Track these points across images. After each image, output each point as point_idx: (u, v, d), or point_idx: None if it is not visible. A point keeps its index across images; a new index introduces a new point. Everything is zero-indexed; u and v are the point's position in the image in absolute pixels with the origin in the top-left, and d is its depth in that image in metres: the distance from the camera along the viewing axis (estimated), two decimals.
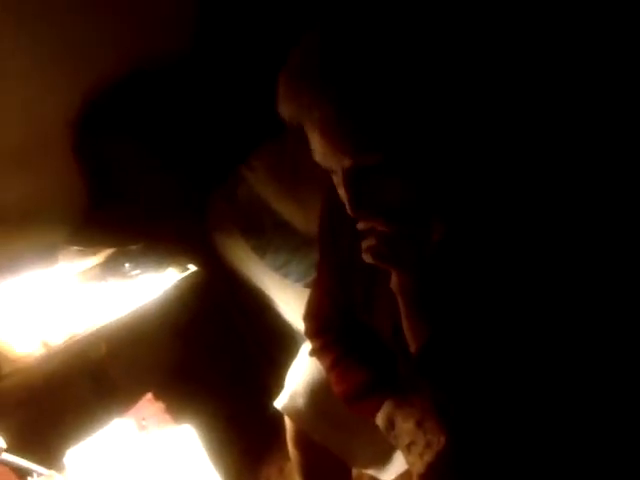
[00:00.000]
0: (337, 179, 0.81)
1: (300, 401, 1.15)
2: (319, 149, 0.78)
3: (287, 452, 1.22)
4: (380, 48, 0.73)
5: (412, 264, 0.87)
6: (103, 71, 1.66)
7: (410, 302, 0.90)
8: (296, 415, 1.15)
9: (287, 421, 1.20)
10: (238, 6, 1.81)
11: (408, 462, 0.95)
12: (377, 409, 0.99)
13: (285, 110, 0.79)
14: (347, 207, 0.80)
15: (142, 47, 1.71)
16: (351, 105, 0.73)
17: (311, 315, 1.19)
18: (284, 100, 0.78)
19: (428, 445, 0.91)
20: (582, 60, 1.12)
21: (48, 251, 1.64)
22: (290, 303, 1.65)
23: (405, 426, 0.95)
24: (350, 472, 1.27)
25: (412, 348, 0.92)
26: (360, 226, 0.85)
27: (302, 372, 1.19)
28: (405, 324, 0.92)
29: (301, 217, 1.72)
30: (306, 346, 1.23)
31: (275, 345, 1.72)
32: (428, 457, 0.90)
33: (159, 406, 1.39)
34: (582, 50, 1.13)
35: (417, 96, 0.75)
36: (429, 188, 0.82)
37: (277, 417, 1.20)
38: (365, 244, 0.87)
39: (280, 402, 1.17)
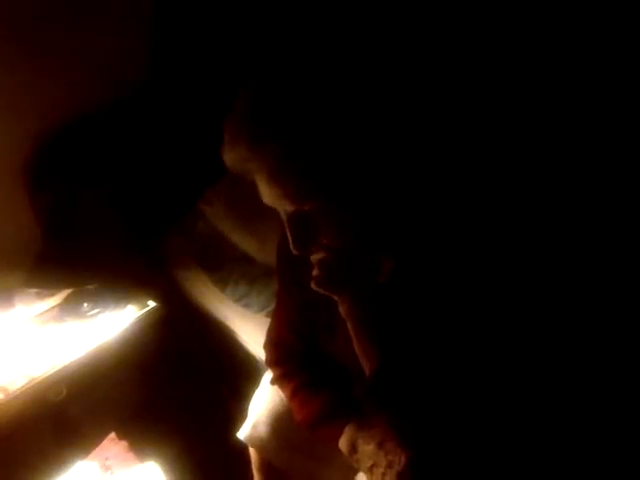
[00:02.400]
0: (283, 219, 0.86)
1: (263, 430, 1.15)
2: (265, 192, 0.83)
3: None
4: (312, 95, 0.77)
5: (355, 292, 0.91)
6: (54, 113, 1.66)
7: (357, 327, 0.93)
8: (260, 445, 1.16)
9: (251, 451, 1.19)
10: (193, 42, 1.84)
11: None
12: (339, 434, 1.00)
13: (227, 158, 0.83)
14: (290, 246, 0.84)
15: (94, 87, 1.72)
16: (288, 156, 0.77)
17: (271, 343, 1.20)
18: (226, 149, 0.82)
19: (390, 466, 0.91)
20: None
21: (4, 295, 1.62)
22: (252, 334, 1.66)
23: (367, 448, 0.95)
24: None
25: (366, 372, 0.94)
26: (312, 257, 0.89)
27: (264, 401, 1.20)
28: (357, 349, 0.94)
29: (259, 248, 1.74)
30: (268, 375, 1.24)
31: (238, 376, 1.72)
32: (390, 478, 0.91)
33: (122, 445, 1.38)
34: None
35: (352, 142, 0.77)
36: (369, 229, 0.85)
37: (243, 448, 1.20)
38: (313, 273, 0.90)
39: (243, 432, 1.17)
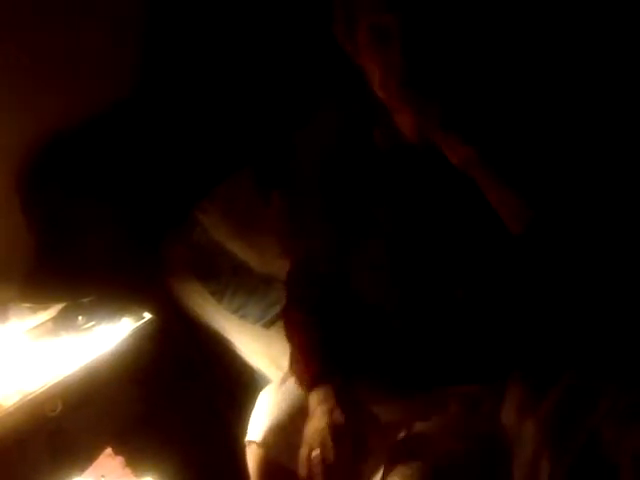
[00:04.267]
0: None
1: (271, 433, 1.09)
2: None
3: None
4: None
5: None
6: (48, 122, 1.65)
7: (488, 172, 0.92)
8: (267, 446, 1.08)
9: (257, 455, 1.11)
10: (182, 48, 1.82)
11: None
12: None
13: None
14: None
15: (87, 95, 1.70)
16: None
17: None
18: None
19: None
20: None
21: None
22: (249, 345, 1.63)
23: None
24: None
25: (512, 227, 0.93)
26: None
27: (270, 404, 1.16)
28: (493, 199, 0.92)
29: (256, 257, 1.73)
30: (271, 386, 1.21)
31: (235, 388, 1.70)
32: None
33: (119, 461, 1.36)
34: None
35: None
36: None
37: (242, 461, 1.15)
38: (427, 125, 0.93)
39: (251, 435, 1.12)
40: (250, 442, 1.10)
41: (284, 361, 1.32)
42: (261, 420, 1.12)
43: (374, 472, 1.05)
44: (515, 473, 0.97)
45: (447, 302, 1.05)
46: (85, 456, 1.42)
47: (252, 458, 1.11)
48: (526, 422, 0.98)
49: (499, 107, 0.97)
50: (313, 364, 1.10)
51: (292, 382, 1.14)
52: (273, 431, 1.08)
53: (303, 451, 0.99)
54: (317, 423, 1.01)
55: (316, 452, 0.97)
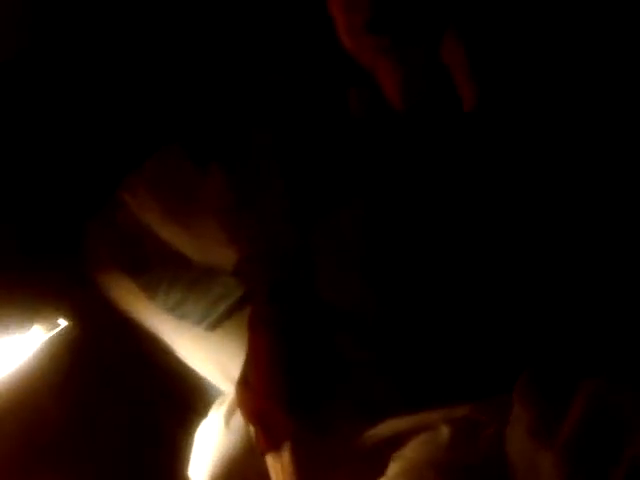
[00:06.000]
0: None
1: (216, 468, 0.98)
2: None
3: None
4: None
5: None
6: None
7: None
8: None
9: None
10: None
11: None
12: None
13: None
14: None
15: None
16: None
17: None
18: None
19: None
20: None
21: None
22: (192, 350, 1.41)
23: None
24: None
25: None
26: None
27: (214, 436, 1.03)
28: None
29: (194, 246, 1.48)
30: (216, 407, 1.08)
31: (180, 399, 1.47)
32: None
33: None
34: None
35: None
36: None
37: None
38: None
39: (194, 471, 1.02)
40: None
41: (234, 369, 1.15)
42: (205, 455, 1.01)
43: None
44: None
45: (436, 298, 0.89)
46: None
47: None
48: (541, 451, 0.80)
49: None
50: (269, 401, 0.94)
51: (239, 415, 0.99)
52: (221, 467, 0.97)
53: None
54: None
55: None
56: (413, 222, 0.88)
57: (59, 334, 1.35)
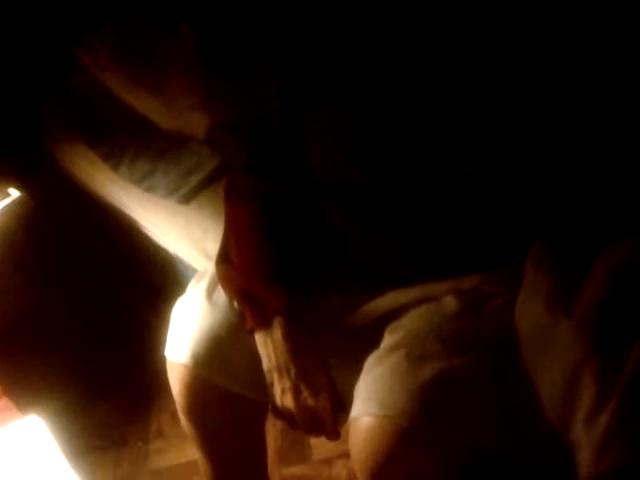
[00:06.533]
0: None
1: (199, 347, 0.89)
2: None
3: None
4: None
5: None
6: None
7: None
8: (196, 365, 0.88)
9: (183, 375, 0.91)
10: None
11: None
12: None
13: None
14: None
15: None
16: None
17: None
18: None
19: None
20: None
21: None
22: (161, 225, 1.29)
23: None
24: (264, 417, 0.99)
25: None
26: None
27: (194, 313, 0.92)
28: None
29: (163, 110, 1.30)
30: (195, 284, 0.96)
31: (150, 278, 1.37)
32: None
33: None
34: None
35: None
36: None
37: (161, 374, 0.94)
38: None
39: (173, 350, 0.91)
40: (172, 362, 0.90)
41: (209, 244, 1.13)
42: (185, 334, 0.90)
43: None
44: (542, 393, 0.73)
45: (446, 180, 0.81)
46: None
47: (176, 379, 0.91)
48: (560, 321, 0.73)
49: None
50: (256, 278, 0.85)
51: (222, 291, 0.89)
52: (204, 346, 0.88)
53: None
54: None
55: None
56: (414, 93, 0.79)
57: (10, 207, 1.20)
